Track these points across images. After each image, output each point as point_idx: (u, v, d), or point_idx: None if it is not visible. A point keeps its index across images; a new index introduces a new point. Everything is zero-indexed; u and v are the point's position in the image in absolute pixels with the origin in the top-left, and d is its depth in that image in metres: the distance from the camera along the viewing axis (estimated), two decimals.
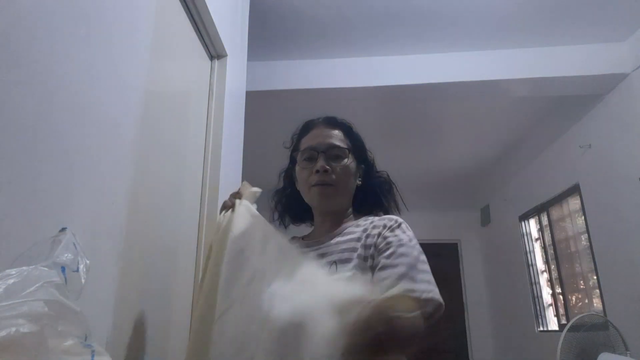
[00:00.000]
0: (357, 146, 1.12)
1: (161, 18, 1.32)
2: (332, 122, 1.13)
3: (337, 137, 1.09)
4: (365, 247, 0.96)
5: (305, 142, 1.11)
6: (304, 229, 1.21)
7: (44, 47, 0.77)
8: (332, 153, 1.07)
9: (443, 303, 0.87)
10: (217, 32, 1.70)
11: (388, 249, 0.91)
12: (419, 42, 3.25)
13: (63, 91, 0.81)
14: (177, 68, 1.47)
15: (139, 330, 1.10)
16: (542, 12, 2.91)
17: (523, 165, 4.98)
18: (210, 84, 1.76)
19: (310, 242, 1.10)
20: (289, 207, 1.19)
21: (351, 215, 1.11)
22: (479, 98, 3.76)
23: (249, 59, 2.23)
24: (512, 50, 3.31)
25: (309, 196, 1.08)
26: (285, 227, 1.20)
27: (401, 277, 0.85)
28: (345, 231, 1.05)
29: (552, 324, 4.60)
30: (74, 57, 0.85)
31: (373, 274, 0.91)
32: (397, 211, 1.11)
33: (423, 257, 0.93)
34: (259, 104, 3.22)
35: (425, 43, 3.26)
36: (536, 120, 4.24)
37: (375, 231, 0.98)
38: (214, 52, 1.79)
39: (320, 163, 1.04)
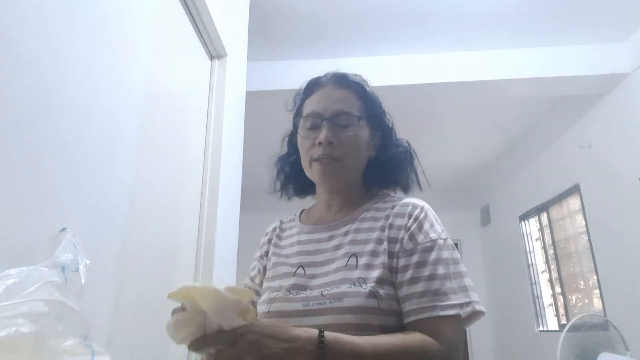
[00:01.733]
0: (371, 110, 0.94)
1: (161, 18, 1.32)
2: (342, 82, 0.95)
3: (346, 101, 0.92)
4: (390, 240, 0.83)
5: (309, 106, 0.94)
6: (309, 201, 1.05)
7: (44, 47, 0.77)
8: (338, 121, 0.90)
9: (482, 310, 0.79)
10: (217, 32, 1.70)
11: (415, 253, 0.80)
12: (419, 42, 3.25)
13: (63, 91, 0.81)
14: (177, 68, 1.47)
15: (139, 330, 1.10)
16: (542, 12, 2.91)
17: (523, 165, 4.97)
18: (210, 84, 1.76)
19: (316, 227, 0.93)
20: (293, 176, 1.02)
21: (364, 193, 0.96)
22: (479, 98, 3.75)
23: (249, 59, 2.23)
24: (512, 50, 3.31)
25: (310, 172, 0.92)
26: (289, 198, 1.04)
27: (435, 294, 0.76)
28: (362, 216, 0.90)
29: (552, 324, 4.59)
30: (74, 57, 0.85)
31: (397, 275, 0.80)
32: (419, 187, 0.98)
33: (454, 255, 0.82)
34: (259, 104, 3.21)
35: (425, 43, 3.26)
36: (536, 120, 4.24)
37: (400, 222, 0.85)
38: (214, 52, 1.79)
39: (324, 134, 0.88)
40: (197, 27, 1.63)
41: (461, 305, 0.77)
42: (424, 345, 0.72)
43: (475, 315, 0.80)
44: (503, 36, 3.17)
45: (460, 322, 0.78)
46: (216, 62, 1.80)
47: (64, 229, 0.73)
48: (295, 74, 3.38)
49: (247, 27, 2.26)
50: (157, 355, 1.21)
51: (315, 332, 0.66)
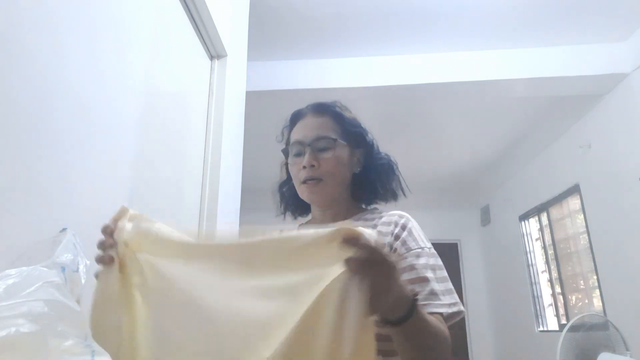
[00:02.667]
0: (350, 131, 1.05)
1: (161, 18, 1.32)
2: (320, 110, 1.06)
3: (324, 126, 1.03)
4: None
5: (293, 136, 1.06)
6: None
7: (44, 47, 0.77)
8: (318, 145, 1.00)
9: (463, 310, 0.89)
10: (217, 32, 1.70)
11: (407, 257, 0.89)
12: (419, 42, 3.25)
13: (63, 91, 0.81)
14: (177, 68, 1.47)
15: None
16: (542, 12, 2.91)
17: (523, 165, 4.97)
18: (210, 84, 1.76)
19: None
20: (292, 199, 1.13)
21: (354, 207, 1.06)
22: (479, 98, 3.76)
23: (249, 59, 2.23)
24: (512, 50, 3.31)
25: (300, 193, 1.04)
26: (296, 218, 1.14)
27: (430, 293, 0.86)
28: None
29: (552, 324, 4.60)
30: (74, 58, 0.85)
31: None
32: (403, 194, 1.07)
33: (439, 262, 0.93)
34: (259, 104, 3.21)
35: (425, 43, 3.26)
36: (536, 120, 4.24)
37: (387, 229, 0.94)
38: (214, 52, 1.79)
39: (307, 158, 0.99)
40: (197, 27, 1.63)
41: (449, 305, 0.87)
42: (445, 327, 0.82)
43: (457, 315, 0.89)
44: (503, 36, 3.17)
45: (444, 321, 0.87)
46: (216, 62, 1.80)
47: (64, 229, 0.73)
48: (295, 74, 3.38)
49: (247, 27, 2.26)
50: None
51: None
